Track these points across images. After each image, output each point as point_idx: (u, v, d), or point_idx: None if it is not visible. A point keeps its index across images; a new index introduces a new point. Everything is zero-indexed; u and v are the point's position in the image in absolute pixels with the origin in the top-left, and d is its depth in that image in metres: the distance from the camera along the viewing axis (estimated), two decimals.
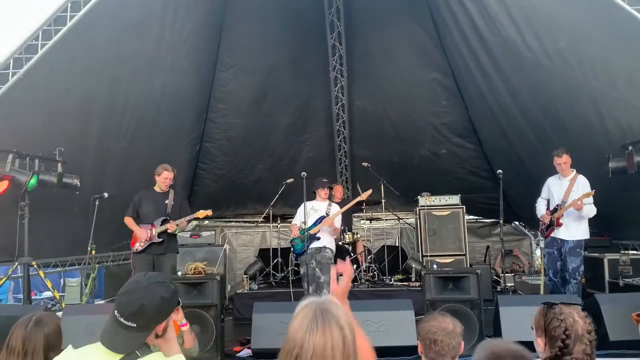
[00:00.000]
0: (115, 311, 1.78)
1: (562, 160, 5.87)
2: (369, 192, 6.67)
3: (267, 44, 8.12)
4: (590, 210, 5.68)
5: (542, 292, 6.26)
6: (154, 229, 5.89)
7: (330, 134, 9.80)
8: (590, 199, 5.67)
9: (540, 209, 6.21)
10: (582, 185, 5.81)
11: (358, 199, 6.70)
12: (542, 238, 6.26)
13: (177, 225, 5.89)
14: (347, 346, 1.49)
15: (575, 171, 5.95)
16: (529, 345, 1.86)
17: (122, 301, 1.79)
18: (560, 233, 5.87)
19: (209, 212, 6.17)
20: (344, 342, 1.49)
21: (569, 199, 5.78)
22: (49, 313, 2.64)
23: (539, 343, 2.09)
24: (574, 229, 5.82)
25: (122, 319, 1.75)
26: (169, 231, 5.89)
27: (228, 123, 8.94)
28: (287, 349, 1.51)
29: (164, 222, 5.92)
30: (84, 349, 1.81)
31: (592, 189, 5.65)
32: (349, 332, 1.52)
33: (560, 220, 5.83)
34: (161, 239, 5.90)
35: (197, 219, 6.14)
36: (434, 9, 7.34)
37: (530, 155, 7.62)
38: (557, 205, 5.92)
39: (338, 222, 6.46)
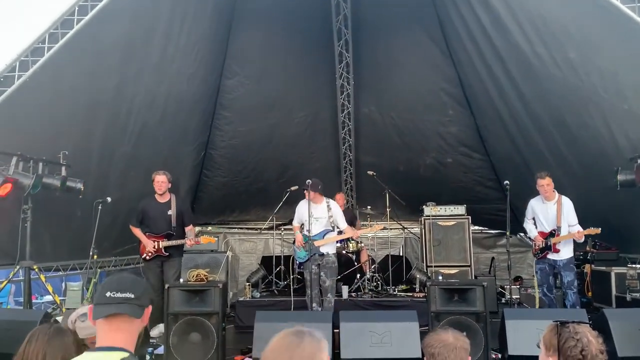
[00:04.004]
0: (107, 292, 1.70)
1: (545, 182, 6.01)
2: (381, 226, 7.32)
3: (274, 52, 8.08)
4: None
5: (537, 306, 6.40)
6: (161, 242, 6.22)
7: (336, 142, 9.74)
8: (576, 220, 5.98)
9: (532, 230, 6.32)
10: (568, 207, 6.04)
11: (369, 230, 7.15)
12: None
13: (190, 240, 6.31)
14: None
15: (557, 192, 6.10)
16: None
17: (113, 280, 1.76)
18: (552, 255, 6.10)
19: (213, 240, 6.88)
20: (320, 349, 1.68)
21: (562, 224, 5.99)
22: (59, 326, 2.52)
23: None
24: (564, 249, 6.05)
25: (118, 294, 1.69)
26: (188, 246, 6.37)
27: (233, 131, 8.89)
28: None
29: (168, 236, 6.25)
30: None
31: (577, 208, 5.99)
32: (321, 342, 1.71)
33: (557, 246, 6.03)
34: (168, 253, 6.28)
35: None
36: (444, 17, 7.27)
37: (539, 165, 7.52)
38: (553, 230, 6.08)
39: (343, 225, 6.50)
